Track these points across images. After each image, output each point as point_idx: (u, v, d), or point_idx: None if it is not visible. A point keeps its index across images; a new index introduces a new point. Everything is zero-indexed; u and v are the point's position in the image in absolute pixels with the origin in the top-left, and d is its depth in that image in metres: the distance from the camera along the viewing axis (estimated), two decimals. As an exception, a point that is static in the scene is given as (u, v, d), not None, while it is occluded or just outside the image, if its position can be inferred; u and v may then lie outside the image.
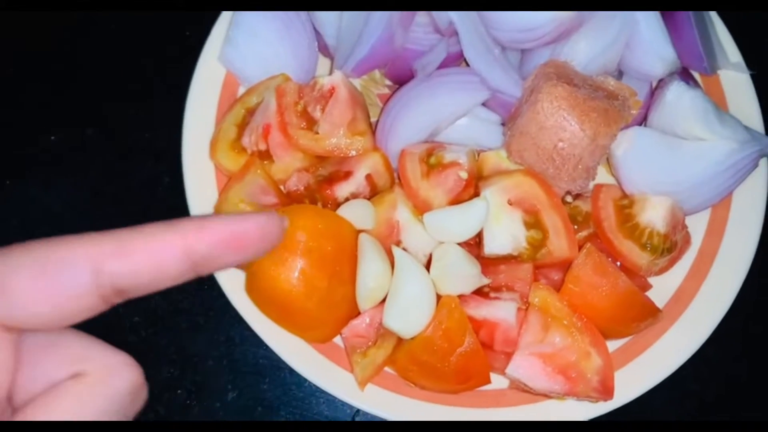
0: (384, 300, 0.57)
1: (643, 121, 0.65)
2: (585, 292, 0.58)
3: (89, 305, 0.29)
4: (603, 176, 0.66)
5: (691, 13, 0.64)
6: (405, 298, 0.56)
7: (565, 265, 0.60)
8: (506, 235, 0.60)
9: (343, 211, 0.59)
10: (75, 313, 0.29)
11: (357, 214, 0.59)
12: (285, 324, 0.59)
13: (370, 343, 0.58)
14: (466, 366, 0.57)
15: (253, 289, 0.57)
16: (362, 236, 0.58)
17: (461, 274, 0.58)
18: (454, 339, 0.56)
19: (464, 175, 0.60)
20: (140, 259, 0.29)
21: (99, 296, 0.29)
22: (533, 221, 0.60)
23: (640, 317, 0.60)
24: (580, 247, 0.62)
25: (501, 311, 0.59)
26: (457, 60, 0.65)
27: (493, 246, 0.60)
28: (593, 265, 0.58)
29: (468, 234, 0.58)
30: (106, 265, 0.28)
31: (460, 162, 0.61)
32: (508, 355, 0.59)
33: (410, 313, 0.56)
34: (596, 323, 0.59)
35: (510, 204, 0.60)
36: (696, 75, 0.69)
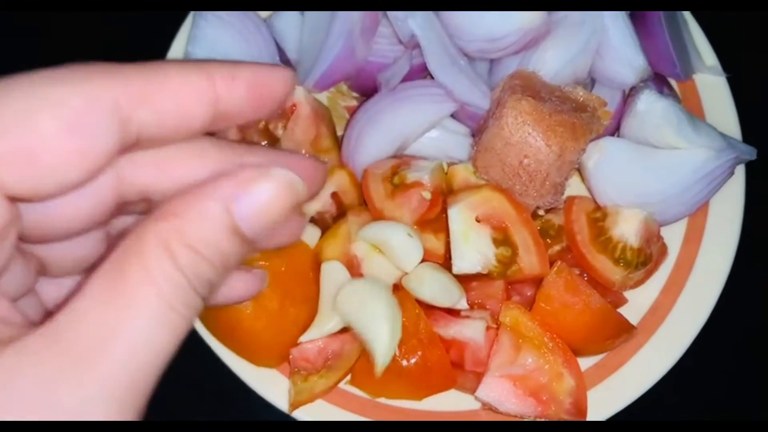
0: (342, 331, 0.56)
1: (616, 130, 0.63)
2: (557, 311, 0.57)
3: (108, 163, 0.25)
4: (577, 187, 0.64)
5: (663, 17, 0.62)
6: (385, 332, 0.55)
7: (538, 281, 0.59)
8: (475, 253, 0.58)
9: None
10: (95, 174, 0.25)
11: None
12: (232, 346, 0.57)
13: (314, 371, 0.57)
14: (425, 363, 0.56)
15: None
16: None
17: (440, 287, 0.57)
18: (410, 331, 0.56)
19: (427, 195, 0.59)
20: (167, 105, 0.25)
21: (121, 146, 0.25)
22: (502, 238, 0.59)
23: (614, 335, 0.58)
24: (552, 263, 0.61)
25: (469, 330, 0.57)
26: (422, 72, 0.63)
27: (461, 265, 0.58)
28: (564, 283, 0.56)
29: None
30: (135, 111, 0.24)
31: (423, 181, 0.59)
32: (479, 376, 0.57)
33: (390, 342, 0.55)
34: (569, 341, 0.57)
35: (478, 221, 0.58)
36: (672, 81, 0.67)
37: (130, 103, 0.24)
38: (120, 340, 0.23)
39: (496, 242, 0.58)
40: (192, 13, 0.66)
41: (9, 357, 0.23)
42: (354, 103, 0.68)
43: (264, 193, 0.26)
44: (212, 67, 0.26)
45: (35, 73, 0.24)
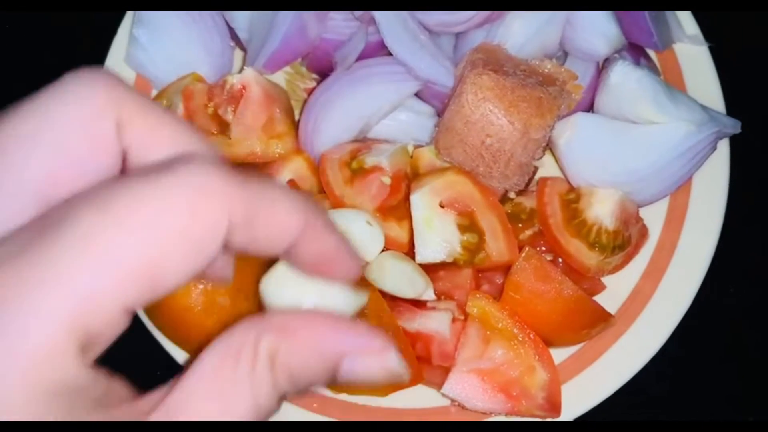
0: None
1: (590, 106, 0.59)
2: (527, 300, 0.53)
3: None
4: (550, 168, 0.60)
5: (637, -17, 0.58)
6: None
7: (509, 269, 0.55)
8: (439, 240, 0.54)
9: None
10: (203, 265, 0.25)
11: None
12: (182, 343, 0.54)
13: None
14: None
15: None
16: None
17: (403, 277, 0.54)
18: (373, 324, 0.52)
19: (387, 180, 0.55)
20: (263, 232, 0.26)
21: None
22: (468, 224, 0.55)
23: (590, 324, 0.54)
24: (522, 248, 0.57)
25: (434, 323, 0.54)
26: (382, 49, 0.59)
27: (425, 253, 0.54)
28: (533, 270, 0.53)
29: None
30: (236, 234, 0.25)
31: (383, 166, 0.55)
32: (447, 370, 0.54)
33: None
34: (542, 332, 0.54)
35: (442, 207, 0.55)
36: (651, 51, 0.63)
37: (238, 224, 0.24)
38: None
39: (462, 228, 0.55)
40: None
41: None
42: (314, 84, 0.64)
43: (375, 368, 0.27)
44: (309, 207, 0.27)
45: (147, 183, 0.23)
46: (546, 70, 0.52)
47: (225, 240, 0.24)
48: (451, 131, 0.52)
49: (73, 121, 0.25)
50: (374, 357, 0.27)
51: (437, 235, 0.54)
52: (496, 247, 0.54)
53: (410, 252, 0.56)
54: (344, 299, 0.35)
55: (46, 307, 0.21)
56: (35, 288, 0.21)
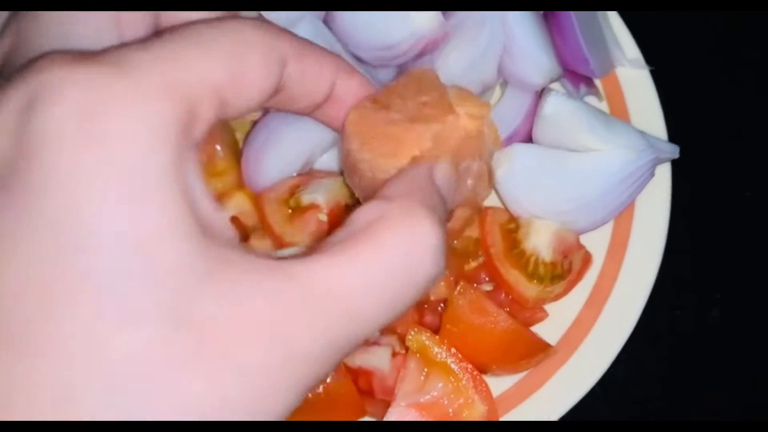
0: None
1: (530, 135, 0.59)
2: (464, 333, 0.54)
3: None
4: (494, 198, 0.61)
5: (572, 13, 0.58)
6: None
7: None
8: None
9: None
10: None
11: None
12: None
13: None
14: (330, 396, 0.53)
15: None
16: None
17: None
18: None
19: (323, 217, 0.55)
20: (310, 69, 0.33)
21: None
22: None
23: (528, 354, 0.55)
24: (471, 277, 0.58)
25: (374, 358, 0.54)
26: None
27: None
28: (469, 303, 0.53)
29: None
30: (290, 65, 0.31)
31: (318, 203, 0.56)
32: (389, 404, 0.54)
33: None
34: (481, 363, 0.54)
35: None
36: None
37: (290, 56, 0.30)
38: None
39: None
40: None
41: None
42: (260, 115, 0.65)
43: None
44: (340, 58, 0.35)
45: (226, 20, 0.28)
46: (458, 108, 0.43)
47: (281, 76, 0.29)
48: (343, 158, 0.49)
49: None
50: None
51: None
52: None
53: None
54: None
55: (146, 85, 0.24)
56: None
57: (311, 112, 0.35)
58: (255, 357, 0.22)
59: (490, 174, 0.45)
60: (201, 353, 0.21)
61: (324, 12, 0.58)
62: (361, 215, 0.27)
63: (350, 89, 0.35)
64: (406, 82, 0.45)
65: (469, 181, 0.43)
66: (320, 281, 0.24)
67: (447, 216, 0.32)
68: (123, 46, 0.25)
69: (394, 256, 0.26)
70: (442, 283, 0.55)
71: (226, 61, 0.26)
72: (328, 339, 0.24)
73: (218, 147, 0.59)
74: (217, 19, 0.28)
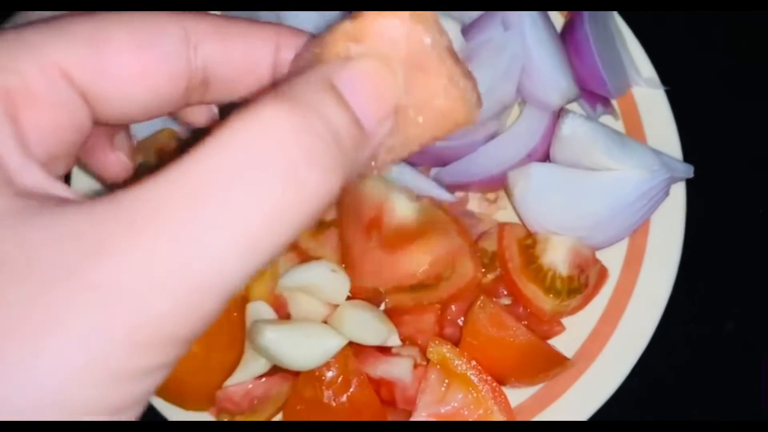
0: (271, 372, 0.56)
1: (547, 154, 0.61)
2: (484, 346, 0.55)
3: (178, 92, 0.26)
4: (511, 213, 0.63)
5: (590, 33, 0.60)
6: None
7: (469, 300, 0.57)
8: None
9: None
10: (164, 102, 0.26)
11: None
12: (160, 390, 0.57)
13: (239, 412, 0.56)
14: (353, 405, 0.56)
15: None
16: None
17: (367, 325, 0.56)
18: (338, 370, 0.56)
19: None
20: (236, 46, 0.27)
21: (188, 81, 0.26)
22: None
23: (546, 367, 0.57)
24: (489, 291, 0.60)
25: (396, 369, 0.56)
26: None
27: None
28: (489, 317, 0.55)
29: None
30: (203, 44, 0.26)
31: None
32: (410, 414, 0.56)
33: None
34: (500, 375, 0.56)
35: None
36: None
37: (198, 35, 0.26)
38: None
39: None
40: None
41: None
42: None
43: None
44: (280, 25, 0.28)
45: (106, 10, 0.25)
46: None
47: (185, 50, 0.25)
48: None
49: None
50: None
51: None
52: (464, 263, 0.56)
53: (376, 298, 0.59)
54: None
55: None
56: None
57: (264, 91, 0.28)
58: None
59: (466, 77, 0.30)
60: None
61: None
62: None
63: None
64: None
65: (442, 92, 0.29)
66: (118, 213, 0.20)
67: (372, 130, 0.25)
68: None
69: (209, 161, 0.20)
70: (470, 265, 0.57)
71: (79, 42, 0.24)
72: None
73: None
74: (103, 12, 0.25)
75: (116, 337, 0.19)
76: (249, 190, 0.20)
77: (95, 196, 0.22)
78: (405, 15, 0.27)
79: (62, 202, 0.21)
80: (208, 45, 0.26)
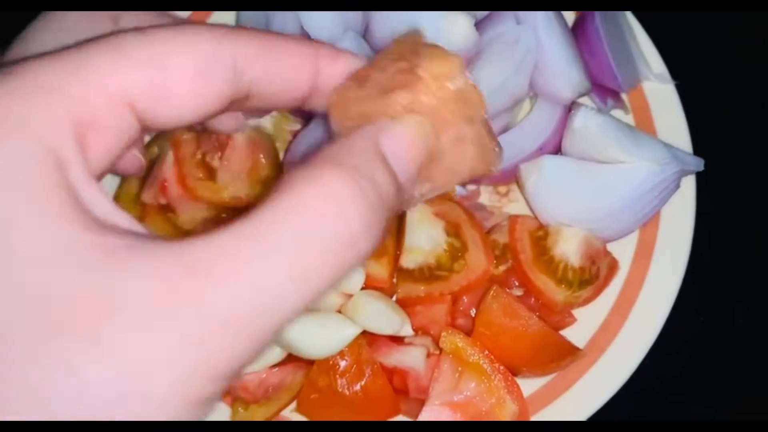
0: (285, 361, 0.56)
1: (559, 147, 0.62)
2: (497, 336, 0.56)
3: (221, 109, 0.28)
4: (523, 206, 0.63)
5: (600, 28, 0.61)
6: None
7: (481, 291, 0.58)
8: (427, 235, 0.59)
9: None
10: (206, 117, 0.27)
11: None
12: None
13: (254, 401, 0.57)
14: (367, 393, 0.56)
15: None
16: None
17: (380, 315, 0.57)
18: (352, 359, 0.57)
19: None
20: (279, 67, 0.28)
21: (232, 99, 0.27)
22: (454, 232, 0.60)
23: (557, 357, 0.57)
24: (501, 282, 0.60)
25: (409, 359, 0.57)
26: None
27: (413, 241, 0.59)
28: (501, 307, 0.56)
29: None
30: (249, 67, 0.27)
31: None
32: (423, 403, 0.57)
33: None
34: (512, 365, 0.57)
35: (435, 215, 0.60)
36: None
37: (247, 58, 0.27)
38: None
39: (448, 233, 0.60)
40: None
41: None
42: (299, 127, 0.68)
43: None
44: (320, 44, 0.30)
45: (164, 27, 0.26)
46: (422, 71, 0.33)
47: (234, 75, 0.27)
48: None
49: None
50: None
51: (426, 232, 0.58)
52: (477, 255, 0.57)
53: (389, 288, 0.60)
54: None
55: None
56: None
57: (301, 106, 0.31)
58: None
59: (491, 137, 0.34)
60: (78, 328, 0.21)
61: (363, 29, 0.61)
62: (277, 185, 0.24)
63: (336, 74, 0.30)
64: (388, 50, 0.35)
65: (471, 148, 0.34)
66: (198, 257, 0.22)
67: (405, 183, 0.27)
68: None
69: (273, 226, 0.22)
70: (483, 256, 0.58)
71: (141, 69, 0.25)
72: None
73: (262, 156, 0.62)
74: (153, 26, 0.26)
75: (199, 370, 0.21)
76: (317, 255, 0.23)
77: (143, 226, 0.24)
78: (456, 76, 0.30)
79: (142, 239, 0.23)
80: (254, 68, 0.27)
